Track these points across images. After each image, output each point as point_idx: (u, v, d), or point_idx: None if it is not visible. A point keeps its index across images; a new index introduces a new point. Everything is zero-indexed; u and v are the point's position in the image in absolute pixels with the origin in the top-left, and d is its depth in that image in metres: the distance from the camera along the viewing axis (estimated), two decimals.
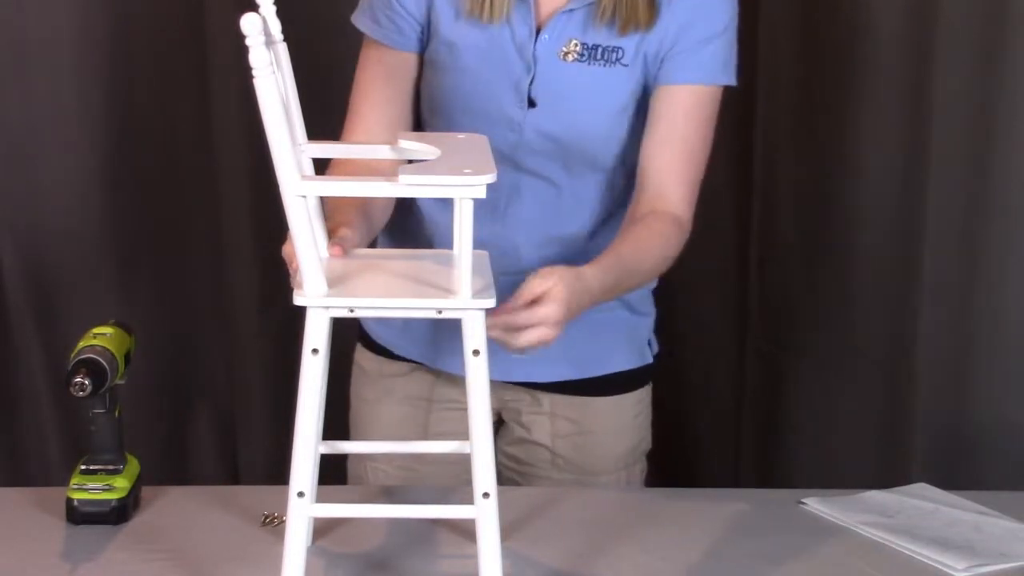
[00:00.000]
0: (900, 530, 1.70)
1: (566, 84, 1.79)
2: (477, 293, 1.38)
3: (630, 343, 1.99)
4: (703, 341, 2.66)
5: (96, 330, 1.71)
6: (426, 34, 1.84)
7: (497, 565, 1.40)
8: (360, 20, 1.86)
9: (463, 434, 1.93)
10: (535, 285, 1.53)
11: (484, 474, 1.40)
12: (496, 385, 1.93)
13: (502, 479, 2.00)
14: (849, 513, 1.75)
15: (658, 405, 2.09)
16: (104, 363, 1.65)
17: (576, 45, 1.78)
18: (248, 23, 1.27)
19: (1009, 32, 2.14)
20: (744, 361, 2.59)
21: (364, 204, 1.72)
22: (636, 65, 1.79)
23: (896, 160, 2.30)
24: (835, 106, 2.36)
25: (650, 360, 2.02)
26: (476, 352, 1.38)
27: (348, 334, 1.97)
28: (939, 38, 2.17)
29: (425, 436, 1.97)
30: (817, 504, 1.77)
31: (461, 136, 1.54)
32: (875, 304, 2.38)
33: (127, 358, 1.72)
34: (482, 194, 1.32)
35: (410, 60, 1.86)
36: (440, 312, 1.38)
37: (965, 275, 2.26)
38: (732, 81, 1.83)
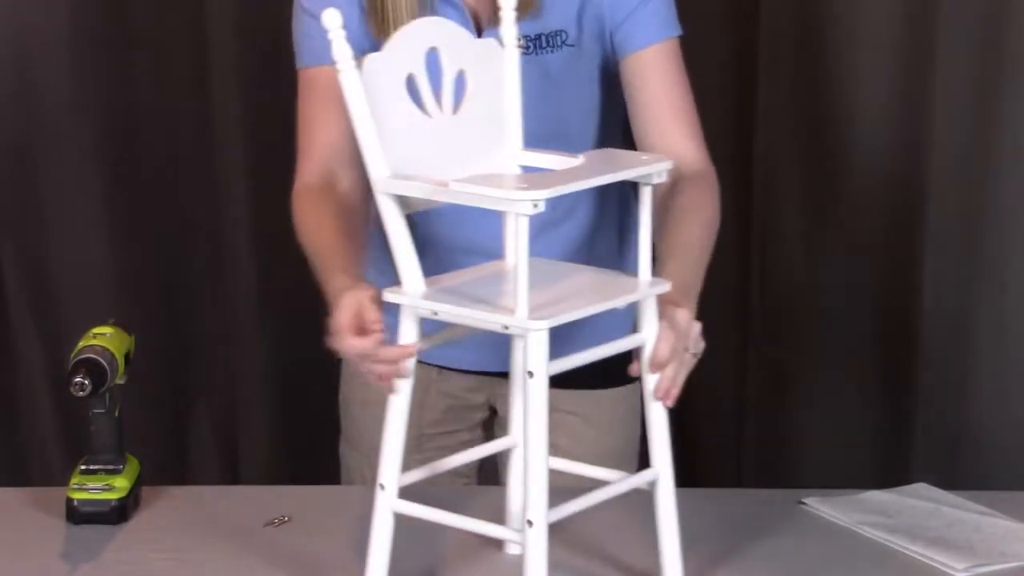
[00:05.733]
0: (900, 530, 1.70)
1: (525, 80, 1.79)
2: (535, 311, 1.32)
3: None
4: (705, 341, 2.65)
5: (96, 330, 1.71)
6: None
7: None
8: (304, 60, 1.78)
9: (462, 432, 1.93)
10: (659, 347, 1.58)
11: (536, 500, 1.32)
12: (491, 379, 1.92)
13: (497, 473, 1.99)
14: (849, 513, 1.74)
15: None
16: (104, 363, 1.64)
17: (520, 40, 1.77)
18: (329, 18, 1.30)
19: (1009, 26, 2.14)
20: (746, 361, 2.59)
21: (349, 233, 1.66)
22: (583, 43, 1.79)
23: (897, 160, 2.30)
24: (836, 103, 2.36)
25: None
26: (531, 374, 1.33)
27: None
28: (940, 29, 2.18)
29: (419, 437, 1.93)
30: (817, 504, 1.77)
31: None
32: (876, 304, 2.38)
33: (127, 358, 1.72)
34: (527, 211, 1.28)
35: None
36: (506, 328, 1.34)
37: (966, 275, 2.26)
38: (678, 31, 1.82)
